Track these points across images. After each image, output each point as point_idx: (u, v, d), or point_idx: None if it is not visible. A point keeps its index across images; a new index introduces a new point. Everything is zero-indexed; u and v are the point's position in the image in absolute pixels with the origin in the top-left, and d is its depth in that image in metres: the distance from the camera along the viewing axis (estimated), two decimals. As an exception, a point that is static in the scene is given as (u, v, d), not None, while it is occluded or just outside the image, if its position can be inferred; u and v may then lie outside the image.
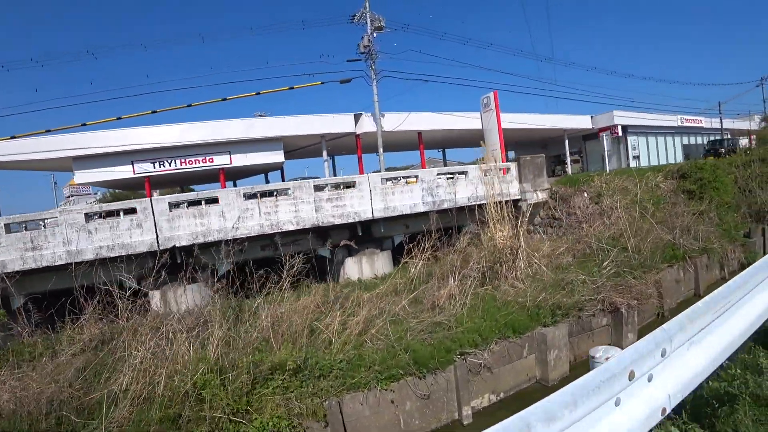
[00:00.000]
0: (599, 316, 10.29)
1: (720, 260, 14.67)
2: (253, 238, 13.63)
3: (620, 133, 30.26)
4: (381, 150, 23.87)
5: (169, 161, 21.67)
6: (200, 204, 13.09)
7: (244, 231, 13.22)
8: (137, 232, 12.56)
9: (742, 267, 15.80)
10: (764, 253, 16.95)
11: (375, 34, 23.74)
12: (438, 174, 15.11)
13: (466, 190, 15.37)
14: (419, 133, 26.69)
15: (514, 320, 9.43)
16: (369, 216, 14.13)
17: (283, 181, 28.24)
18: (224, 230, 13.08)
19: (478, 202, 15.38)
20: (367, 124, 24.19)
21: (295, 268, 11.19)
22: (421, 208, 14.64)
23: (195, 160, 22.11)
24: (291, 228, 13.54)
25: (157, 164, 21.36)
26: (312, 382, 7.80)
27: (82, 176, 20.36)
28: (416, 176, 14.96)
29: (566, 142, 23.81)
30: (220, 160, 22.51)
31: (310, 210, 13.61)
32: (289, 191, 13.58)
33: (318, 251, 15.22)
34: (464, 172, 15.70)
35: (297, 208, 13.54)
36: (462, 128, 27.63)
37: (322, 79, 23.64)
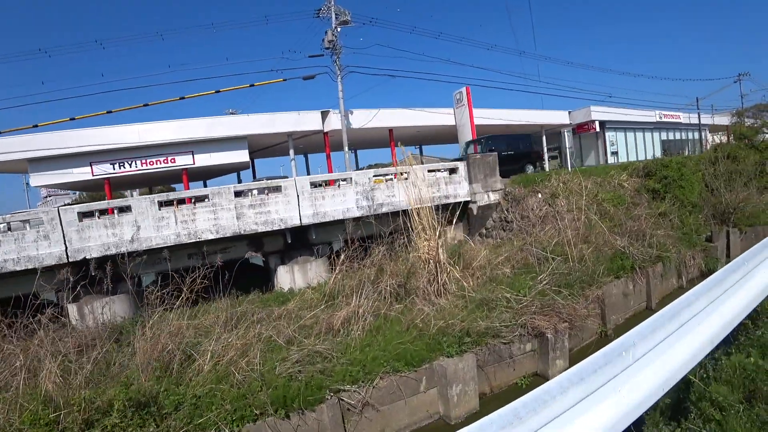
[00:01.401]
0: (522, 341, 8.39)
1: (677, 268, 12.58)
2: (174, 247, 11.98)
3: (598, 129, 27.89)
4: (346, 148, 21.95)
5: (130, 162, 20.04)
6: (112, 213, 11.43)
7: (159, 241, 11.55)
8: (44, 244, 10.96)
9: (702, 275, 13.74)
10: (727, 258, 14.79)
11: (339, 29, 21.71)
12: (375, 175, 13.20)
13: (407, 192, 13.41)
14: (390, 129, 24.68)
15: (408, 351, 7.58)
16: (296, 222, 12.32)
17: (254, 180, 26.57)
18: (138, 240, 11.42)
19: (422, 205, 13.50)
20: (334, 122, 22.29)
21: (198, 281, 9.64)
22: (356, 213, 12.79)
23: (156, 161, 20.44)
24: (210, 237, 11.82)
25: (117, 165, 19.73)
26: (155, 421, 6.16)
27: (37, 179, 18.83)
28: (349, 179, 13.07)
29: (564, 138, 21.60)
30: (183, 161, 20.81)
31: (230, 217, 11.86)
32: (208, 198, 11.82)
33: (250, 259, 13.54)
34: (404, 174, 13.75)
35: (216, 216, 11.80)
36: (435, 124, 25.60)
37: (285, 76, 21.84)
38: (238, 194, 12.03)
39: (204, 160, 21.16)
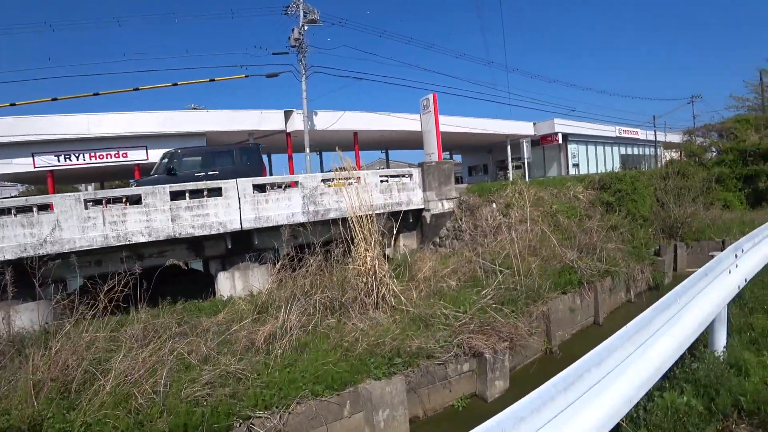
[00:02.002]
0: (458, 361, 7.71)
1: (626, 282, 12.21)
2: (106, 249, 10.86)
3: (561, 141, 27.83)
4: (308, 149, 21.06)
5: (77, 155, 18.59)
6: (30, 211, 10.22)
7: (84, 243, 10.39)
8: (-54, 245, 9.71)
9: (650, 288, 13.46)
10: (674, 272, 14.57)
11: (307, 27, 20.83)
12: (322, 180, 12.36)
13: (357, 199, 12.63)
14: (355, 133, 23.92)
15: (330, 372, 6.80)
16: (237, 227, 11.37)
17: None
18: (59, 242, 10.24)
19: (372, 212, 12.75)
20: (298, 122, 21.38)
21: (118, 288, 8.64)
22: (301, 219, 11.92)
23: (107, 155, 19.06)
24: (142, 240, 10.75)
25: (62, 158, 18.28)
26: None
27: (-29, 169, 17.24)
28: (295, 182, 12.21)
29: (523, 149, 21.26)
30: (136, 155, 19.49)
31: (165, 219, 10.82)
32: (142, 198, 10.75)
33: (191, 264, 12.49)
34: (355, 179, 12.98)
35: (149, 217, 10.74)
36: (401, 129, 24.97)
37: (249, 73, 20.74)
38: (175, 196, 11.00)
39: (159, 155, 19.83)
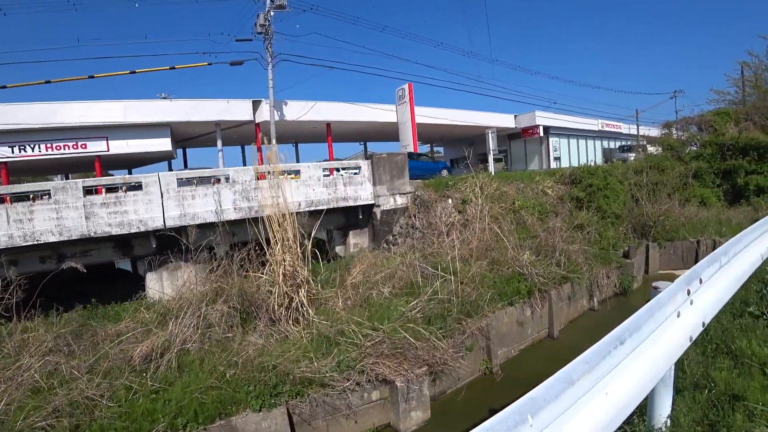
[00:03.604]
0: (364, 390, 6.31)
1: (589, 288, 10.71)
2: (17, 249, 9.53)
3: (541, 134, 26.13)
4: (274, 140, 19.15)
5: (32, 145, 17.19)
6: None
7: (-16, 242, 9.05)
8: None
9: (616, 295, 11.93)
10: (645, 275, 12.99)
11: (273, 13, 19.18)
12: (258, 172, 10.90)
13: (297, 194, 11.19)
14: (328, 124, 22.35)
15: (195, 402, 5.44)
16: (159, 225, 9.98)
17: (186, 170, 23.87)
18: (-43, 240, 8.89)
19: (314, 208, 11.31)
20: (267, 112, 19.84)
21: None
22: (233, 215, 10.51)
23: (64, 146, 17.64)
24: (53, 239, 9.38)
25: (16, 148, 16.90)
26: None
27: None
28: (225, 176, 10.74)
29: (488, 140, 19.65)
30: (95, 146, 18.06)
31: (78, 217, 9.43)
32: (51, 194, 9.35)
33: (118, 264, 11.14)
34: (296, 172, 11.52)
35: (60, 215, 9.35)
36: (377, 121, 23.38)
37: (214, 60, 19.23)
38: (88, 191, 9.60)
39: (120, 147, 18.47)
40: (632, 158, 21.45)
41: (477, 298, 8.24)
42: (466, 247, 10.31)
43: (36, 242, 9.33)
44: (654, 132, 29.78)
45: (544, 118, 26.01)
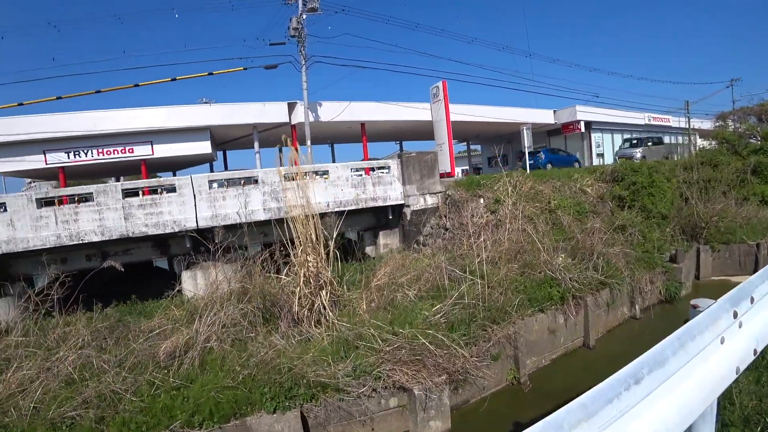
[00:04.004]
0: (381, 396, 6.12)
1: (630, 294, 9.96)
2: (68, 248, 10.15)
3: (583, 129, 24.80)
4: (309, 141, 19.71)
5: (85, 151, 18.30)
6: None
7: (37, 242, 9.67)
8: None
9: (660, 302, 11.03)
10: (696, 280, 11.88)
11: (306, 16, 19.36)
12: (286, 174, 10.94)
13: (325, 194, 11.17)
14: (362, 123, 22.29)
15: (211, 401, 5.47)
16: (193, 225, 10.25)
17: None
18: (13, 241, 9.54)
19: (343, 208, 11.24)
20: (302, 114, 20.06)
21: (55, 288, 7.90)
22: (262, 216, 10.62)
23: (114, 150, 18.66)
24: (95, 239, 9.88)
25: (71, 154, 18.02)
26: None
27: (-11, 166, 17.29)
28: (255, 178, 10.86)
29: (523, 137, 18.89)
30: (141, 151, 18.97)
31: (117, 218, 9.87)
32: (93, 196, 9.84)
33: (156, 262, 11.57)
34: (324, 172, 11.48)
35: (102, 216, 9.83)
36: (412, 120, 23.05)
37: (250, 65, 19.68)
38: (127, 194, 10.03)
39: (164, 151, 19.28)
40: (639, 155, 19.46)
41: (505, 304, 7.83)
42: (497, 248, 9.87)
43: (81, 242, 9.86)
44: (707, 125, 27.50)
45: (585, 113, 24.64)
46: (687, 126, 26.01)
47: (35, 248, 9.71)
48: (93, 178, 26.14)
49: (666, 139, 26.06)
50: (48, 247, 9.76)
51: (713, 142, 18.30)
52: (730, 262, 11.87)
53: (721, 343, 2.66)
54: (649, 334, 9.38)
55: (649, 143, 21.87)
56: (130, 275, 14.62)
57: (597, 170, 14.65)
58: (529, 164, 17.90)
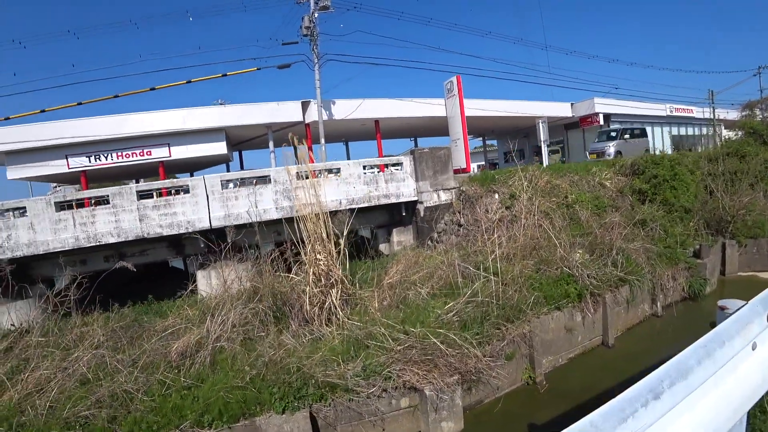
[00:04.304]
0: (391, 396, 5.99)
1: (651, 291, 9.57)
2: (87, 249, 10.36)
3: (602, 122, 24.11)
4: (323, 140, 19.72)
5: (105, 155, 18.70)
6: (4, 215, 9.84)
7: (56, 244, 9.87)
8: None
9: (684, 299, 10.57)
10: (721, 276, 11.34)
11: (318, 15, 19.35)
12: (297, 173, 10.89)
13: (337, 191, 11.10)
14: (376, 121, 22.18)
15: (220, 400, 5.45)
16: (206, 225, 10.32)
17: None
18: (34, 244, 9.77)
19: (355, 206, 11.14)
20: (316, 112, 20.09)
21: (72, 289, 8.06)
22: (275, 215, 10.61)
23: (132, 153, 19.02)
24: (112, 240, 10.03)
25: (92, 158, 18.44)
26: None
27: (14, 172, 17.79)
28: (266, 176, 10.84)
29: (539, 130, 18.49)
30: (159, 153, 19.29)
31: (133, 219, 10.00)
32: (110, 198, 9.99)
33: (171, 262, 11.71)
34: (336, 170, 11.39)
35: (117, 218, 9.97)
36: (426, 115, 22.85)
37: (263, 65, 19.75)
38: (141, 196, 10.14)
39: (180, 152, 19.56)
40: (612, 151, 18.21)
41: (519, 301, 7.60)
42: (512, 245, 9.63)
43: (98, 243, 10.02)
44: (733, 115, 26.32)
45: (604, 105, 23.95)
46: (711, 116, 24.92)
47: (55, 250, 9.92)
48: (114, 181, 26.72)
49: (690, 131, 25.09)
50: (67, 249, 9.95)
51: (739, 133, 17.53)
52: (758, 258, 11.32)
53: (753, 350, 2.39)
54: (671, 332, 9.01)
55: (626, 135, 19.84)
56: (147, 275, 14.97)
57: (616, 163, 14.19)
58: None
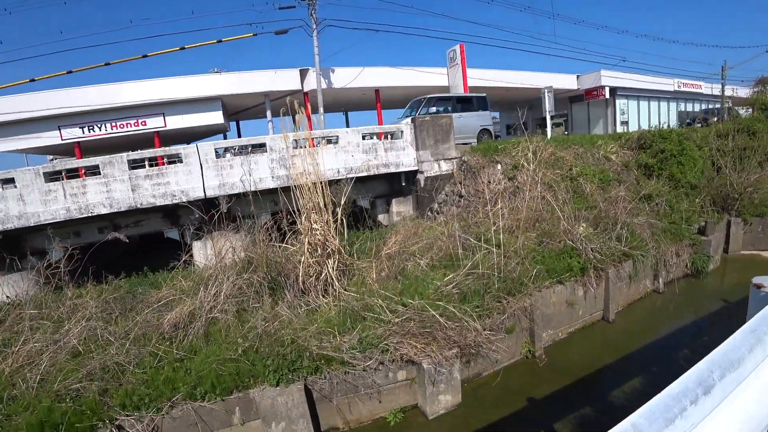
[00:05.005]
0: (388, 369, 5.84)
1: (654, 267, 9.35)
2: (80, 221, 10.08)
3: (607, 95, 23.41)
4: (321, 109, 19.15)
5: (99, 125, 18.17)
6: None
7: (47, 216, 9.55)
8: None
9: (686, 276, 10.35)
10: (724, 254, 11.17)
11: (315, -24, 18.45)
12: (296, 140, 10.51)
13: (335, 160, 10.73)
14: (376, 90, 21.53)
15: (212, 373, 5.30)
16: (200, 195, 10.00)
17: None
18: (24, 216, 9.47)
19: (353, 175, 10.81)
20: (314, 81, 19.44)
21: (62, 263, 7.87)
22: (271, 184, 10.29)
23: (127, 124, 18.48)
24: (104, 211, 9.71)
25: (86, 129, 17.92)
26: None
27: (5, 144, 17.30)
28: (262, 144, 10.44)
29: (545, 100, 17.82)
30: (154, 123, 18.75)
31: (125, 190, 9.68)
32: (100, 168, 9.63)
33: (167, 233, 11.45)
34: (332, 138, 10.99)
35: (109, 188, 9.64)
36: (428, 85, 22.16)
37: (259, 31, 18.92)
38: (133, 165, 9.78)
39: (176, 122, 19.03)
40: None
41: (521, 274, 7.39)
42: (514, 216, 9.36)
43: (90, 214, 9.71)
44: (743, 92, 25.52)
45: (610, 78, 23.18)
46: (722, 92, 24.13)
47: (46, 222, 9.62)
48: (109, 152, 26.18)
49: (698, 107, 24.24)
50: (59, 220, 9.65)
51: (749, 109, 16.95)
52: (763, 236, 11.06)
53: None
54: (672, 309, 8.85)
55: (437, 108, 14.35)
56: (143, 247, 14.73)
57: (622, 137, 13.74)
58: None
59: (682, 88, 25.72)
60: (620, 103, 23.96)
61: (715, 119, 18.21)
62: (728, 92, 25.42)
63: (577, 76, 24.35)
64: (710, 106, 23.12)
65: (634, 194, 10.76)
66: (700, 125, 18.66)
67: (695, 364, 1.28)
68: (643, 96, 24.52)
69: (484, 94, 16.55)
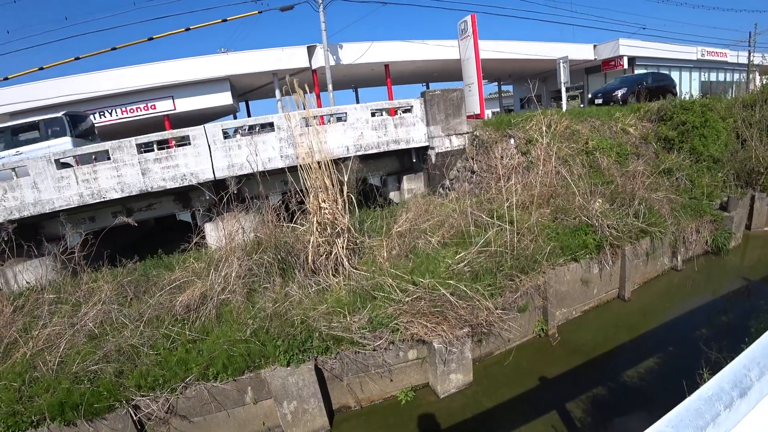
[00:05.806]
0: (399, 348, 5.81)
1: (673, 244, 9.05)
2: (95, 206, 10.19)
3: (626, 65, 22.44)
4: (330, 86, 18.88)
5: (110, 111, 18.26)
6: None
7: (61, 202, 9.64)
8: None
9: (706, 253, 9.99)
10: (746, 230, 10.74)
11: (320, -48, 17.88)
12: (303, 119, 10.33)
13: (344, 137, 10.55)
14: (386, 65, 21.07)
15: (223, 354, 5.34)
16: (209, 176, 9.97)
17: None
18: (39, 203, 9.58)
19: (363, 152, 10.67)
20: (322, 57, 19.08)
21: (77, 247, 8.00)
22: (280, 163, 10.19)
23: (137, 108, 18.55)
24: (116, 196, 9.77)
25: (96, 115, 17.99)
26: None
27: (20, 130, 17.43)
28: (269, 123, 10.28)
29: (560, 71, 17.16)
30: (163, 106, 18.78)
31: (135, 173, 9.69)
32: (110, 153, 9.64)
33: (179, 216, 11.51)
34: (341, 116, 10.76)
35: (120, 173, 9.66)
36: (439, 59, 21.65)
37: (261, 8, 18.53)
38: (142, 148, 9.77)
39: (185, 104, 19.02)
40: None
41: (535, 252, 7.22)
42: (528, 192, 9.11)
43: (103, 199, 9.78)
44: None
45: (629, 47, 22.17)
46: (748, 61, 22.78)
47: (61, 208, 9.72)
48: (121, 137, 26.39)
49: (722, 76, 22.94)
50: (73, 206, 9.75)
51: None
52: (789, 211, 10.60)
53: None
54: (690, 287, 8.60)
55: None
56: (158, 230, 14.91)
57: (641, 108, 13.18)
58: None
59: (706, 57, 24.47)
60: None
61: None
62: (758, 59, 24.05)
63: (594, 46, 23.38)
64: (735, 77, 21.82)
65: (653, 168, 10.36)
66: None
67: (730, 362, 1.12)
68: (663, 65, 23.46)
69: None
